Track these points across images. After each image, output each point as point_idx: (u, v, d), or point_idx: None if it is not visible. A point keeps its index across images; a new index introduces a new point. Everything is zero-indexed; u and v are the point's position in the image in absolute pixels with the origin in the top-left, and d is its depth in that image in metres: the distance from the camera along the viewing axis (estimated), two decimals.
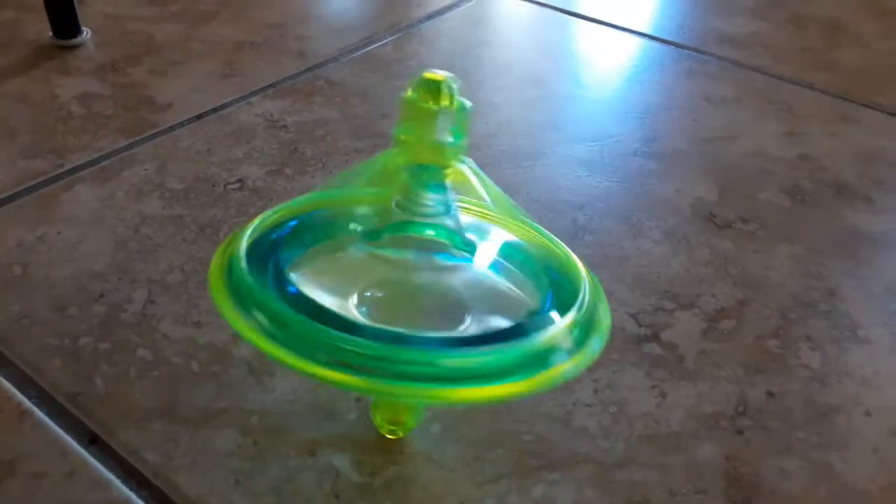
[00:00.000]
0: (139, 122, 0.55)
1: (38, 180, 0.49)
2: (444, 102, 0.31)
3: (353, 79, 0.62)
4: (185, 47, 0.65)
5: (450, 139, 0.32)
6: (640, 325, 0.41)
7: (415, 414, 0.34)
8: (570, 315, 0.29)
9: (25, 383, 0.36)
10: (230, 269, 0.29)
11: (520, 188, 0.51)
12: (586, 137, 0.57)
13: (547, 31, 0.72)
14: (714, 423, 0.36)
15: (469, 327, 0.31)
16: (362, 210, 0.36)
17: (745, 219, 0.49)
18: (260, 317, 0.28)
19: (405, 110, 0.32)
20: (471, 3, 0.76)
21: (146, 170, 0.50)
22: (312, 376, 0.27)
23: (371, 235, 0.34)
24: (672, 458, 0.35)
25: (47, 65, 0.61)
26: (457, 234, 0.33)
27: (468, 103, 0.32)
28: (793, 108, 0.62)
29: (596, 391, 0.38)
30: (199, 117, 0.56)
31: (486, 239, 0.35)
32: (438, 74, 0.31)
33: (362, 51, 0.67)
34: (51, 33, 0.64)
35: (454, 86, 0.31)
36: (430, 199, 0.33)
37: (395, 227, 0.33)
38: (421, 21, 0.72)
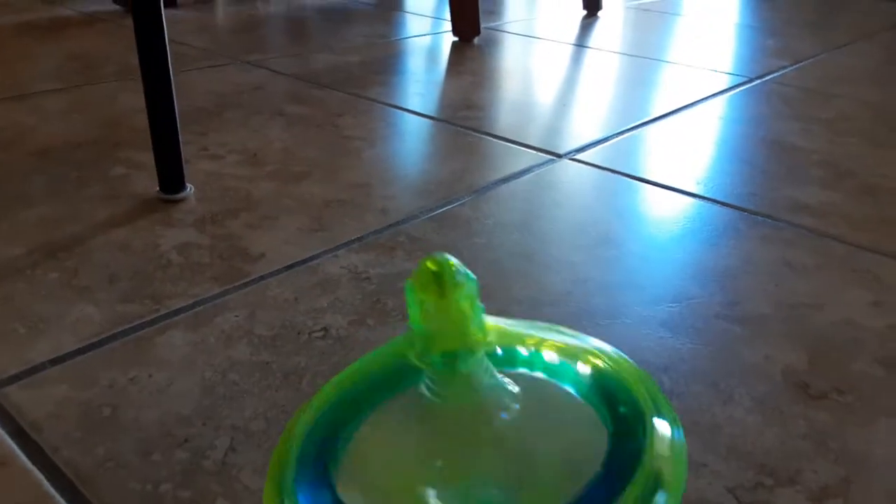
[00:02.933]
0: (233, 272, 0.58)
1: (133, 324, 0.51)
2: (452, 288, 0.30)
3: (432, 235, 0.65)
4: (279, 203, 0.70)
5: (471, 319, 0.31)
6: (739, 502, 0.39)
7: None
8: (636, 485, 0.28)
9: None
10: None
11: None
12: (666, 298, 0.57)
13: (619, 195, 0.75)
14: None
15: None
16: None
17: (840, 390, 0.47)
18: None
19: (414, 305, 0.31)
20: (543, 169, 0.80)
21: (237, 316, 0.52)
22: None
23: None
24: None
25: (152, 217, 0.66)
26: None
27: (472, 275, 0.31)
28: (878, 276, 0.61)
29: None
30: (288, 268, 0.59)
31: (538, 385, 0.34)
32: (437, 261, 0.31)
33: (441, 210, 0.70)
34: (157, 188, 0.70)
35: (458, 269, 0.31)
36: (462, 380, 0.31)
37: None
38: (496, 184, 0.76)
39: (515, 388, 0.33)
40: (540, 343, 0.35)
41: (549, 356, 0.34)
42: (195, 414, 0.43)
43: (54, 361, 0.47)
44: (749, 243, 0.66)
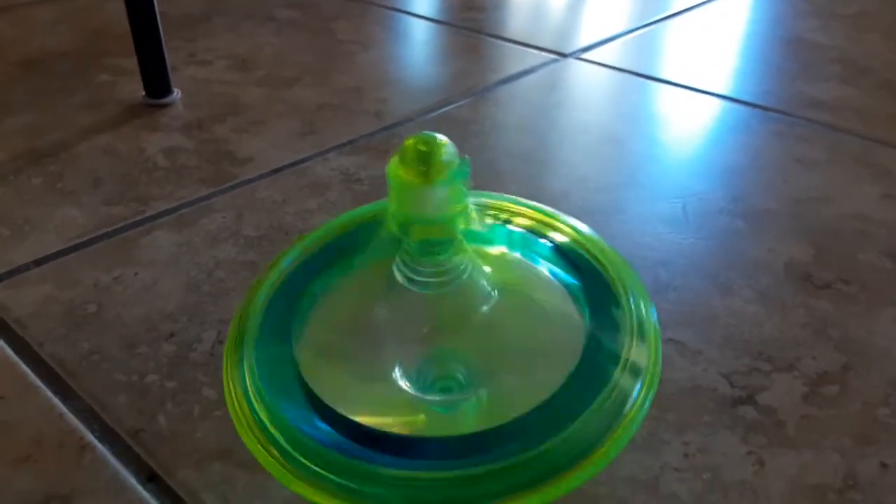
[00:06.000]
0: (220, 174, 0.56)
1: (118, 225, 0.50)
2: (438, 174, 0.26)
3: None
4: (268, 108, 0.67)
5: (451, 207, 0.27)
6: (733, 387, 0.38)
7: None
8: (629, 341, 0.27)
9: (89, 417, 0.35)
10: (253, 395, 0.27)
11: None
12: (667, 195, 0.55)
13: (624, 94, 0.72)
14: (820, 495, 0.32)
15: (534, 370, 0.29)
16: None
17: (844, 280, 0.46)
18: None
19: (395, 186, 0.27)
20: (546, 69, 0.77)
21: (223, 217, 0.51)
22: None
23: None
24: None
25: (137, 122, 0.64)
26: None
27: (467, 158, 0.27)
28: (890, 171, 0.58)
29: (686, 455, 0.34)
30: (276, 171, 0.57)
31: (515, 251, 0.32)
32: (426, 140, 0.27)
33: (438, 112, 0.67)
34: (143, 93, 0.68)
35: (448, 149, 0.27)
36: (439, 268, 0.29)
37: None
38: (496, 85, 0.73)
39: (490, 275, 0.31)
40: (513, 215, 0.33)
41: (525, 232, 0.33)
42: (181, 310, 0.42)
43: (38, 262, 0.46)
44: (759, 140, 0.63)
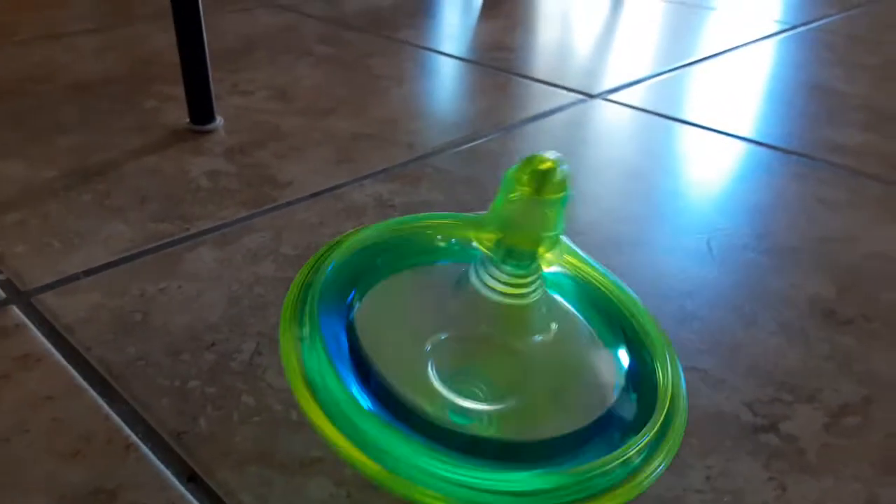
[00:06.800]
0: (260, 197, 0.59)
1: (163, 241, 0.52)
2: (551, 194, 0.29)
3: (459, 168, 0.65)
4: (306, 136, 0.70)
5: (551, 232, 0.30)
6: (755, 415, 0.39)
7: None
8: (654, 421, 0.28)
9: (134, 419, 0.37)
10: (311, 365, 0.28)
11: (623, 273, 0.50)
12: (692, 230, 0.56)
13: (649, 134, 0.74)
14: None
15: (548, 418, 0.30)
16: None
17: (866, 317, 0.47)
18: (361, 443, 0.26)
19: (509, 190, 0.30)
20: (574, 109, 0.79)
21: (263, 237, 0.53)
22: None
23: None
24: None
25: (182, 146, 0.67)
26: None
27: (570, 184, 0.30)
28: None
29: (708, 478, 0.35)
30: (314, 195, 0.59)
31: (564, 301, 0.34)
32: (549, 160, 0.30)
33: (468, 145, 0.69)
34: (188, 119, 0.71)
35: (565, 174, 0.29)
36: (513, 274, 0.31)
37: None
38: (524, 122, 0.75)
39: (553, 311, 0.33)
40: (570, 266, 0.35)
41: (579, 284, 0.35)
42: (222, 321, 0.44)
43: (87, 272, 0.49)
44: (782, 181, 0.65)
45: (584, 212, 0.59)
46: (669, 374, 0.30)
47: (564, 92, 0.84)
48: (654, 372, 0.31)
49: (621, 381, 0.31)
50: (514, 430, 0.30)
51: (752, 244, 0.54)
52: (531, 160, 0.30)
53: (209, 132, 0.70)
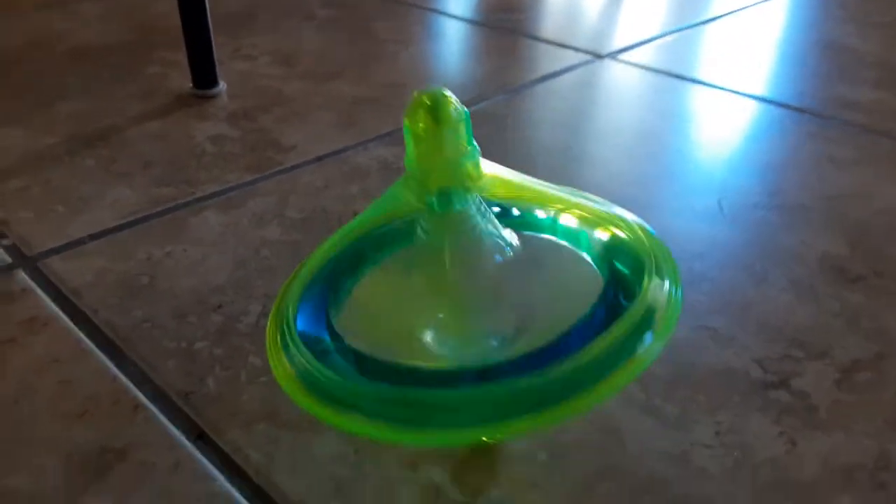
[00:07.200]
0: (265, 161, 0.58)
1: (169, 205, 0.52)
2: (447, 121, 0.29)
3: None
4: (310, 101, 0.69)
5: (465, 154, 0.30)
6: (765, 372, 0.38)
7: None
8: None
9: (142, 380, 0.37)
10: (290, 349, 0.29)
11: None
12: (702, 190, 0.55)
13: (659, 94, 0.72)
14: (851, 474, 0.33)
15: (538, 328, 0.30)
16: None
17: (878, 273, 0.46)
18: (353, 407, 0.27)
19: (409, 139, 0.30)
20: (582, 69, 0.78)
21: (268, 201, 0.53)
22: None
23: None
24: None
25: (186, 111, 0.67)
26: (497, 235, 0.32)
27: (466, 110, 0.31)
28: None
29: (717, 433, 0.35)
30: (319, 159, 0.59)
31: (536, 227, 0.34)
32: (429, 90, 0.30)
33: (475, 107, 0.69)
34: (191, 84, 0.70)
35: (450, 98, 0.30)
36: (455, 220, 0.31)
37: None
38: (532, 83, 0.74)
39: (514, 239, 0.33)
40: (561, 209, 0.35)
41: (566, 221, 0.34)
42: (228, 284, 0.44)
43: (93, 237, 0.48)
44: (793, 139, 0.63)
45: (593, 174, 0.58)
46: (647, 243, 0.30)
47: (573, 52, 0.82)
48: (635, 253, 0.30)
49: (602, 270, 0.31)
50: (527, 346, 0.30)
51: (763, 202, 0.54)
52: (417, 100, 0.30)
53: (212, 97, 0.69)
